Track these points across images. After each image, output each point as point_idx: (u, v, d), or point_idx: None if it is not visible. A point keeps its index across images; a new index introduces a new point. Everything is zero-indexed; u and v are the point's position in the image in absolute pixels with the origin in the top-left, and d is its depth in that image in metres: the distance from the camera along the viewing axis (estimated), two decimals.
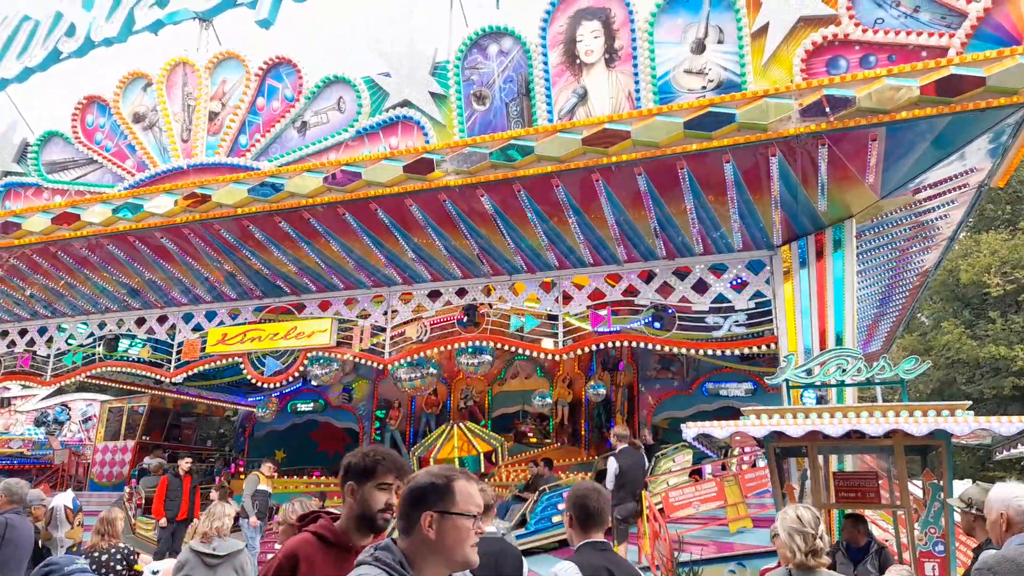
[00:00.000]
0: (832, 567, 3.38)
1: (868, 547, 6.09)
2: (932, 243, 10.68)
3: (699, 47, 7.71)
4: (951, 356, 22.05)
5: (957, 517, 4.58)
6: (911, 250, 10.91)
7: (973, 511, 4.07)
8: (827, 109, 6.98)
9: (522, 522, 9.90)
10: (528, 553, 8.12)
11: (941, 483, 5.73)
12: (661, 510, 9.35)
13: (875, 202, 8.23)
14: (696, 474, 10.87)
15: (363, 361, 10.95)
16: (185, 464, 11.54)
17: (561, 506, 8.81)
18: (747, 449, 9.70)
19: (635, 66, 7.90)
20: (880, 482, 6.41)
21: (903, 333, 20.41)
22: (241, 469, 16.15)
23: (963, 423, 5.43)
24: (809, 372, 6.64)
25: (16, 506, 5.57)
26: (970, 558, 4.34)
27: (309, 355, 11.07)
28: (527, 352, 10.31)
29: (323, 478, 16.02)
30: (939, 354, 22.50)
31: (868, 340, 16.31)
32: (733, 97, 7.35)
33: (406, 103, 8.76)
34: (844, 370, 6.49)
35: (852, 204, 8.26)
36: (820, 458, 6.26)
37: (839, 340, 8.27)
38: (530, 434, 17.30)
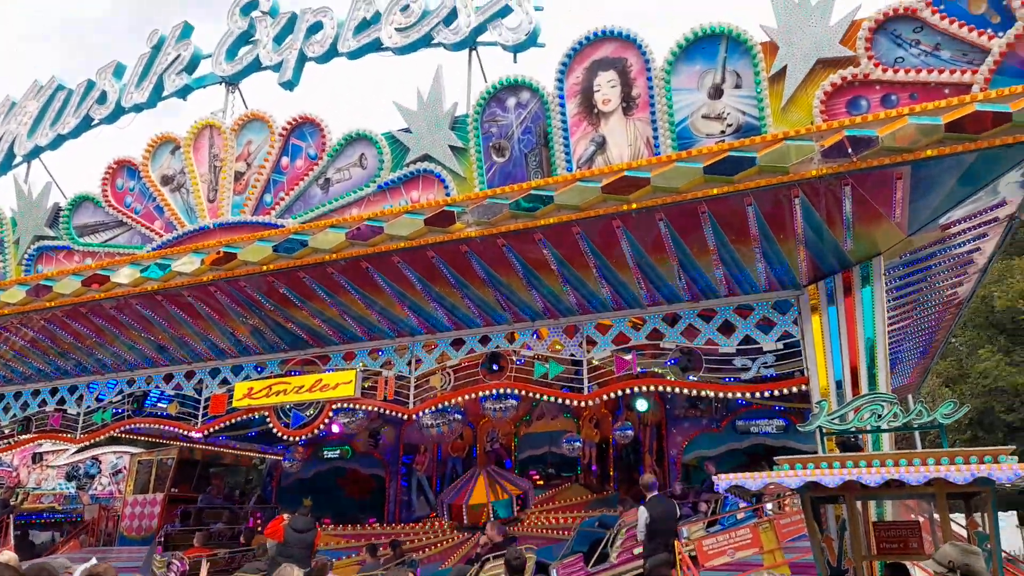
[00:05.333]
0: None
1: None
2: (966, 276, 10.48)
3: (716, 92, 7.71)
4: (988, 384, 21.50)
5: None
6: (943, 283, 10.71)
7: (958, 574, 3.83)
8: (849, 150, 6.91)
9: None
10: None
11: (987, 531, 5.51)
12: (694, 559, 9.11)
13: (903, 239, 8.11)
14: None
15: (388, 411, 10.92)
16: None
17: None
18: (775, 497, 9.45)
19: (652, 113, 7.91)
20: (921, 522, 6.18)
21: (937, 360, 19.93)
22: (259, 521, 15.98)
23: (1008, 470, 5.23)
24: (843, 418, 6.48)
25: None
26: None
27: (334, 406, 11.06)
28: (554, 398, 10.20)
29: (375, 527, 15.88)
30: (975, 382, 21.97)
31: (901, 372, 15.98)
32: (753, 141, 7.32)
33: (427, 157, 8.84)
34: (879, 415, 6.31)
35: (879, 241, 8.14)
36: (858, 504, 6.07)
37: (871, 377, 8.10)
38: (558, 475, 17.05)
